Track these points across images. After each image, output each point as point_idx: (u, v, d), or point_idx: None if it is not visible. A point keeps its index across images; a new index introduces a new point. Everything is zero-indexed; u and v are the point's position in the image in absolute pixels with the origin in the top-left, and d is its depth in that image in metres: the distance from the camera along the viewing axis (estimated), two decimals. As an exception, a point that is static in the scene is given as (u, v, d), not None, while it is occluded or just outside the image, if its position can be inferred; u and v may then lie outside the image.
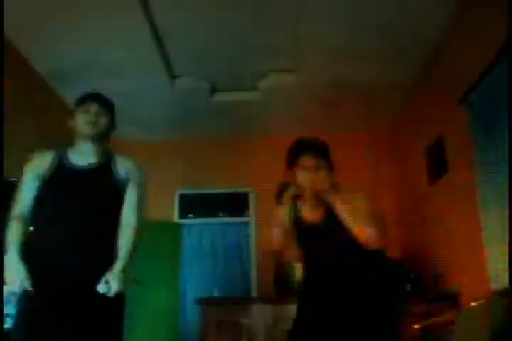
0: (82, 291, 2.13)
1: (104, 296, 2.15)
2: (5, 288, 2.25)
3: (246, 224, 5.96)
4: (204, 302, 4.27)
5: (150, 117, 5.57)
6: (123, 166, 2.36)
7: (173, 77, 4.83)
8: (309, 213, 2.38)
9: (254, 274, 5.72)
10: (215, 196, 6.09)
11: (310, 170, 2.28)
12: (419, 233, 4.90)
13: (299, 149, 2.36)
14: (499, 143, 3.07)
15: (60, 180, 2.28)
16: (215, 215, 6.07)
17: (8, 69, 3.58)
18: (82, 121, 2.39)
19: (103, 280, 2.14)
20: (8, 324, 3.22)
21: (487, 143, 3.27)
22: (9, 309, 3.28)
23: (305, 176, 2.28)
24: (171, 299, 5.41)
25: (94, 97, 2.48)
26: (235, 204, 6.07)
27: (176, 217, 5.96)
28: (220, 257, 5.91)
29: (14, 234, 2.20)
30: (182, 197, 6.04)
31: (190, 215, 6.06)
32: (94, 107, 2.41)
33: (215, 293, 4.87)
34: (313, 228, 2.36)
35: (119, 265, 2.20)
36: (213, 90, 5.14)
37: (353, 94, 5.04)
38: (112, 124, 2.46)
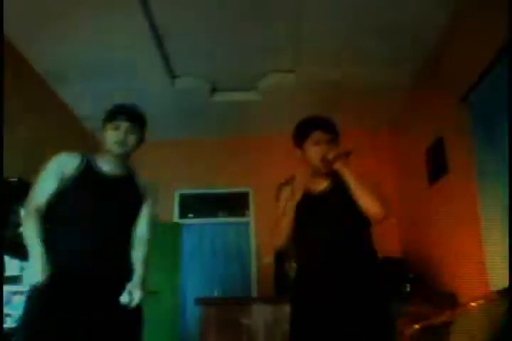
0: (102, 298, 2.12)
1: (124, 307, 2.15)
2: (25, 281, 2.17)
3: (246, 224, 5.96)
4: (204, 302, 4.27)
5: (150, 117, 5.53)
6: (142, 181, 2.41)
7: (173, 77, 4.83)
8: (315, 185, 2.38)
9: (254, 274, 5.72)
10: (215, 196, 6.09)
11: (322, 144, 2.31)
12: (419, 233, 4.90)
13: (310, 124, 2.39)
14: (499, 143, 3.07)
15: (89, 183, 2.25)
16: (215, 215, 6.07)
17: (8, 69, 3.58)
18: (111, 140, 2.34)
19: (126, 291, 2.16)
20: (8, 324, 3.22)
21: (487, 143, 3.27)
22: (9, 309, 3.29)
23: (317, 151, 2.30)
24: (171, 299, 5.41)
25: (126, 113, 2.42)
26: (235, 204, 6.07)
27: (176, 217, 5.97)
28: (220, 257, 5.90)
29: (33, 228, 2.13)
30: (182, 197, 6.04)
31: (190, 215, 6.06)
32: (124, 125, 2.36)
33: (215, 293, 4.87)
34: (318, 197, 2.36)
35: (139, 277, 2.24)
36: (213, 90, 5.14)
37: (353, 94, 5.04)
38: (141, 140, 2.42)
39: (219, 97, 5.21)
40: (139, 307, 2.21)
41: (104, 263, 2.17)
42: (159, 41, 4.19)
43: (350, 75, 4.68)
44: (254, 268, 5.74)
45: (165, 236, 5.49)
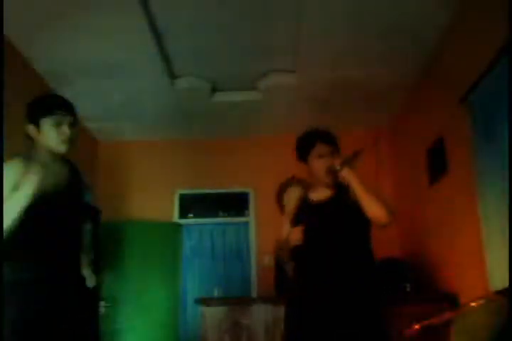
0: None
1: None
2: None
3: (246, 224, 5.96)
4: (204, 302, 4.27)
5: (150, 117, 5.57)
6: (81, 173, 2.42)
7: (173, 77, 4.83)
8: (318, 195, 2.45)
9: (254, 274, 5.72)
10: (215, 196, 6.09)
11: (326, 156, 2.40)
12: (418, 233, 4.90)
13: (312, 138, 2.48)
14: (499, 143, 3.07)
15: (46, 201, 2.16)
16: (215, 215, 6.07)
17: (8, 69, 3.57)
18: (55, 138, 2.17)
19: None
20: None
21: (487, 143, 3.27)
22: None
23: (322, 163, 2.40)
24: (171, 299, 5.41)
25: (64, 105, 2.23)
26: (235, 204, 6.07)
27: (176, 217, 5.96)
28: (220, 257, 5.90)
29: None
30: (182, 197, 6.04)
31: (190, 215, 6.06)
32: (67, 120, 2.19)
33: (215, 293, 4.87)
34: (320, 205, 2.42)
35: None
36: (213, 90, 5.14)
37: (353, 94, 5.04)
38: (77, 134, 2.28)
39: (219, 97, 5.21)
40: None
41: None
42: (159, 41, 4.19)
43: (350, 75, 4.68)
44: (254, 268, 5.74)
45: (165, 236, 5.49)
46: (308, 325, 2.24)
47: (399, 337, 2.86)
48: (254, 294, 5.56)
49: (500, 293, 2.65)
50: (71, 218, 2.26)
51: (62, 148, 2.20)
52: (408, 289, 4.21)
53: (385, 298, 2.44)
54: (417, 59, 4.43)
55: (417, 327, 3.11)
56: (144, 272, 5.10)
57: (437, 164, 4.21)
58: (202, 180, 5.95)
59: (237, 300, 4.53)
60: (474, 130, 3.44)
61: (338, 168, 2.34)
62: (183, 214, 6.02)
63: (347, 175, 2.32)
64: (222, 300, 4.43)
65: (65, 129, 2.17)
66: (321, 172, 2.39)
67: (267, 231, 5.71)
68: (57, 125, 2.17)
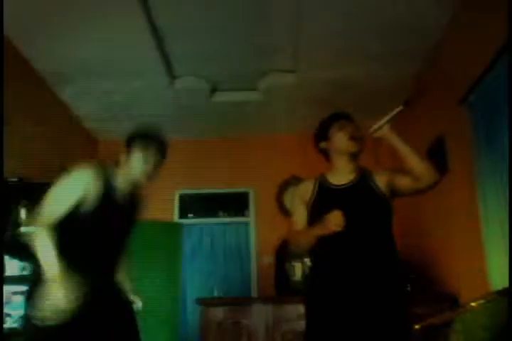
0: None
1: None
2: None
3: (246, 224, 5.96)
4: (204, 302, 4.27)
5: (150, 117, 5.56)
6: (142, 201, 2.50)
7: (173, 77, 4.83)
8: (339, 178, 2.37)
9: (254, 274, 5.71)
10: (215, 196, 6.09)
11: (348, 127, 2.38)
12: (418, 233, 4.90)
13: (332, 117, 2.51)
14: (499, 143, 3.07)
15: (107, 206, 2.24)
16: (215, 215, 6.07)
17: (8, 69, 3.58)
18: (139, 168, 2.30)
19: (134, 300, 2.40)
20: (8, 324, 3.22)
21: (487, 143, 3.27)
22: (9, 309, 3.29)
23: (344, 133, 2.36)
24: (171, 299, 5.41)
25: (157, 142, 2.37)
26: (235, 204, 6.07)
27: (176, 217, 5.96)
28: (220, 257, 5.90)
29: (47, 241, 2.09)
30: (182, 197, 6.04)
31: (190, 215, 6.06)
32: (154, 157, 2.34)
33: (215, 293, 4.87)
34: (342, 190, 2.33)
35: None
36: (213, 90, 5.14)
37: (353, 94, 5.03)
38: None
39: (219, 97, 5.21)
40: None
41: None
42: (159, 41, 4.19)
43: (350, 75, 4.68)
44: (254, 268, 5.73)
45: (165, 236, 5.49)
46: (334, 317, 2.17)
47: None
48: (254, 294, 5.56)
49: (500, 293, 2.65)
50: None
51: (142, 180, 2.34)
52: (408, 289, 4.21)
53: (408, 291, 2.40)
54: (417, 59, 4.43)
55: (417, 327, 3.11)
56: (144, 272, 5.09)
57: (437, 164, 4.20)
58: (202, 180, 5.95)
59: (237, 300, 4.53)
60: (474, 130, 3.44)
61: (376, 126, 2.35)
62: (183, 214, 6.02)
63: (386, 134, 2.34)
64: (222, 300, 4.43)
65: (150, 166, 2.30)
66: (344, 141, 2.34)
67: (267, 231, 5.72)
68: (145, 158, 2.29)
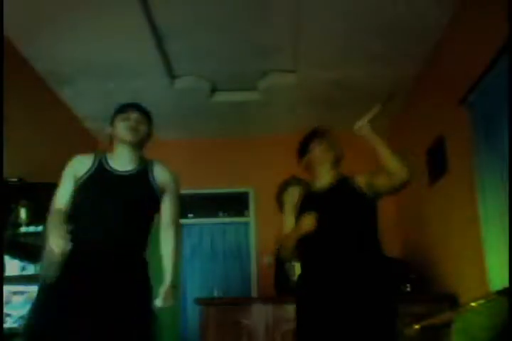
0: (111, 297, 2.19)
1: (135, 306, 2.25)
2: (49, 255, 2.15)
3: (246, 224, 5.96)
4: (204, 302, 4.27)
5: (150, 117, 5.57)
6: (160, 175, 2.51)
7: (173, 77, 4.83)
8: (321, 183, 2.52)
9: (254, 274, 5.72)
10: (215, 196, 6.09)
11: (324, 143, 2.58)
12: (418, 233, 4.90)
13: (312, 133, 2.67)
14: (499, 143, 3.07)
15: (99, 184, 2.35)
16: (215, 215, 6.07)
17: (8, 69, 3.58)
18: (123, 128, 2.42)
19: (160, 295, 2.33)
20: (8, 324, 3.22)
21: (487, 144, 3.27)
22: (9, 309, 3.29)
23: (322, 148, 2.56)
24: (171, 299, 5.40)
25: (135, 106, 2.56)
26: (235, 204, 6.07)
27: (175, 217, 5.96)
28: (220, 257, 5.91)
29: (57, 220, 2.19)
30: (182, 197, 6.03)
31: (190, 215, 6.06)
32: (134, 115, 2.48)
33: (215, 293, 4.87)
34: (323, 193, 2.46)
35: (170, 279, 2.46)
36: (213, 90, 5.14)
37: (353, 94, 5.03)
38: (149, 133, 2.57)
39: (219, 97, 5.21)
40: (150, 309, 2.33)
41: (107, 254, 2.24)
42: (159, 41, 4.19)
43: (350, 75, 4.68)
44: (254, 268, 5.74)
45: (165, 236, 5.48)
46: (320, 318, 2.22)
47: (399, 336, 2.85)
48: (254, 294, 5.56)
49: (500, 293, 2.65)
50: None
51: (128, 136, 2.42)
52: (408, 289, 4.21)
53: (396, 288, 2.46)
54: (417, 59, 4.43)
55: (417, 327, 3.11)
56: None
57: (437, 164, 4.21)
58: (202, 180, 5.95)
59: (237, 300, 4.53)
60: (474, 130, 3.44)
61: (359, 124, 2.49)
62: (183, 214, 6.02)
63: (367, 133, 2.46)
64: (222, 300, 4.43)
65: (132, 122, 2.43)
66: (322, 155, 2.54)
67: (267, 231, 5.71)
68: (126, 119, 2.44)
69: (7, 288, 3.24)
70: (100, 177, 2.36)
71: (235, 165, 5.92)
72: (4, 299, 3.14)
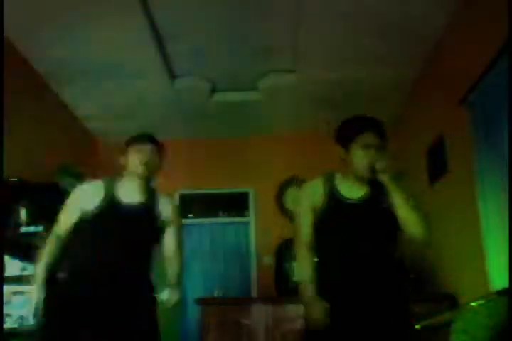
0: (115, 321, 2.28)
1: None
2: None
3: (246, 224, 5.96)
4: (204, 302, 4.27)
5: (150, 117, 5.57)
6: (165, 208, 2.56)
7: (173, 77, 4.83)
8: (350, 191, 2.21)
9: (254, 274, 5.72)
10: (215, 196, 6.09)
11: (372, 149, 2.14)
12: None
13: (362, 124, 2.22)
14: (499, 143, 3.07)
15: (106, 215, 2.39)
16: (215, 215, 6.07)
17: (8, 69, 3.58)
18: (136, 161, 2.45)
19: (166, 289, 2.46)
20: (8, 324, 3.22)
21: (487, 143, 3.27)
22: (9, 309, 3.28)
23: (365, 156, 2.13)
24: (171, 299, 5.40)
25: (148, 137, 2.58)
26: (235, 204, 6.07)
27: (176, 217, 5.95)
28: (220, 257, 5.90)
29: (49, 249, 2.37)
30: (182, 197, 6.04)
31: (190, 215, 6.06)
32: (148, 147, 2.50)
33: (215, 293, 4.87)
34: (354, 205, 2.18)
35: (177, 281, 2.58)
36: (213, 90, 5.14)
37: (353, 94, 5.04)
38: (159, 165, 2.57)
39: (219, 97, 5.21)
40: (155, 321, 2.42)
41: (115, 284, 2.32)
42: (159, 41, 4.19)
43: (350, 75, 4.68)
44: (254, 268, 5.73)
45: (165, 236, 5.48)
46: (339, 331, 2.11)
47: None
48: (254, 294, 5.56)
49: (500, 293, 2.65)
50: None
51: (139, 170, 2.47)
52: (408, 289, 4.20)
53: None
54: (417, 59, 4.43)
55: (417, 327, 3.11)
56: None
57: (437, 164, 4.21)
58: (202, 180, 5.95)
59: (237, 300, 4.53)
60: (474, 130, 3.44)
61: (379, 168, 2.10)
62: (183, 214, 6.02)
63: (387, 181, 2.11)
64: (222, 300, 4.43)
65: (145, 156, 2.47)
66: (361, 165, 2.13)
67: (267, 231, 5.72)
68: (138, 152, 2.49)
69: (7, 288, 3.24)
70: (110, 211, 2.39)
71: (235, 165, 5.92)
72: (4, 299, 3.14)
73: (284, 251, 5.40)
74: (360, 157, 2.14)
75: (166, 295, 2.41)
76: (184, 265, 2.69)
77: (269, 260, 5.58)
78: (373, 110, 5.66)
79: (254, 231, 5.87)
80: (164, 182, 6.00)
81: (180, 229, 2.72)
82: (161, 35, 4.14)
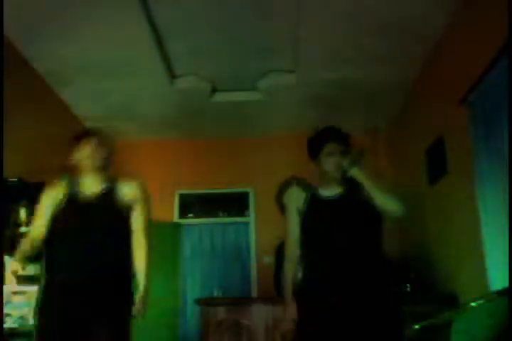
0: (98, 312, 2.37)
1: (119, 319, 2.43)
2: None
3: (246, 224, 5.96)
4: (204, 302, 4.27)
5: (150, 117, 5.57)
6: (126, 190, 2.57)
7: (173, 77, 4.83)
8: (329, 191, 2.46)
9: (254, 274, 5.72)
10: (215, 196, 6.09)
11: (336, 155, 2.41)
12: (418, 233, 4.90)
13: (324, 137, 2.48)
14: (499, 143, 3.07)
15: (68, 210, 2.49)
16: (215, 215, 6.07)
17: (8, 69, 3.58)
18: (83, 155, 2.56)
19: (134, 303, 2.45)
20: (8, 324, 3.22)
21: (487, 143, 3.27)
22: (9, 309, 3.28)
23: (332, 162, 2.41)
24: (171, 299, 5.41)
25: (90, 133, 2.69)
26: (235, 204, 6.07)
27: (176, 217, 5.96)
28: (220, 257, 5.90)
29: (22, 248, 2.53)
30: (182, 197, 6.04)
31: (190, 215, 6.06)
32: (90, 141, 2.60)
33: (215, 293, 4.87)
34: (331, 200, 2.42)
35: (142, 289, 2.54)
36: (213, 90, 5.14)
37: (353, 94, 5.04)
38: (110, 153, 2.63)
39: (219, 97, 5.21)
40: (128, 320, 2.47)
41: (90, 273, 2.40)
42: (159, 41, 4.19)
43: (350, 75, 4.68)
44: (254, 268, 5.74)
45: (165, 236, 5.49)
46: (325, 326, 2.21)
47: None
48: (254, 294, 5.56)
49: (500, 293, 2.65)
50: None
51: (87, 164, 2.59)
52: (408, 289, 4.21)
53: (401, 296, 2.46)
54: (417, 59, 4.43)
55: (417, 327, 3.11)
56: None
57: (437, 164, 4.21)
58: (202, 180, 5.95)
59: (237, 300, 4.53)
60: (474, 130, 3.44)
61: (346, 168, 2.38)
62: (183, 214, 6.02)
63: (357, 174, 2.36)
64: (222, 300, 4.43)
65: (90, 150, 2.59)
66: (331, 170, 2.42)
67: (267, 231, 5.71)
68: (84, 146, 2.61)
69: (7, 288, 3.24)
70: (71, 206, 2.50)
71: (235, 165, 5.92)
72: (4, 299, 3.14)
73: (284, 251, 5.40)
74: (327, 164, 2.42)
75: (135, 311, 2.47)
76: (150, 249, 2.71)
77: (269, 260, 5.57)
78: (373, 110, 5.71)
79: (254, 231, 5.87)
80: (164, 182, 6.05)
81: (147, 207, 2.68)
82: (161, 35, 4.14)
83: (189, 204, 6.06)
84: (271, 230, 5.66)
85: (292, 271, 2.44)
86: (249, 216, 5.97)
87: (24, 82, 4.27)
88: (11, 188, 3.54)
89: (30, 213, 3.57)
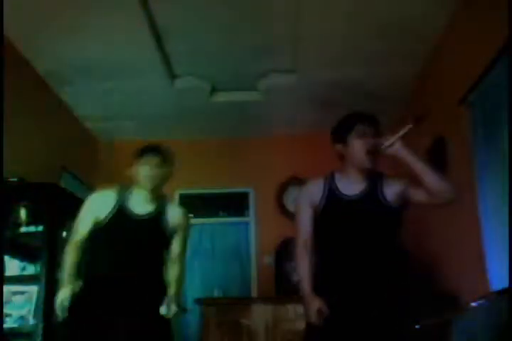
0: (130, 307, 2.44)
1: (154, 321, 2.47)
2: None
3: (246, 224, 5.96)
4: (204, 302, 4.28)
5: (150, 117, 5.57)
6: (174, 217, 2.69)
7: (173, 77, 4.83)
8: (349, 188, 2.30)
9: (254, 274, 5.71)
10: (215, 196, 6.09)
11: (368, 137, 2.27)
12: (418, 233, 4.90)
13: (355, 118, 2.37)
14: (499, 143, 3.07)
15: (118, 226, 2.53)
16: (215, 215, 6.07)
17: (8, 69, 3.58)
18: (142, 174, 2.54)
19: (164, 304, 2.47)
20: (8, 324, 3.22)
21: (487, 143, 3.27)
22: (9, 309, 3.28)
23: (363, 143, 2.26)
24: (171, 299, 5.40)
25: (156, 150, 2.64)
26: (235, 204, 6.07)
27: (176, 217, 5.95)
28: (220, 257, 5.90)
29: (70, 257, 2.50)
30: (182, 197, 6.04)
31: (190, 215, 6.05)
32: (154, 160, 2.56)
33: (215, 293, 4.87)
34: (352, 201, 2.27)
35: (173, 293, 2.55)
36: (213, 90, 5.14)
37: (353, 94, 5.04)
38: (168, 175, 2.64)
39: (219, 97, 5.21)
40: (166, 321, 2.50)
41: (133, 285, 2.47)
42: (159, 41, 4.19)
43: (350, 75, 4.68)
44: (254, 268, 5.73)
45: (165, 236, 5.48)
46: (340, 325, 2.15)
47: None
48: (254, 294, 5.56)
49: (500, 293, 2.65)
50: None
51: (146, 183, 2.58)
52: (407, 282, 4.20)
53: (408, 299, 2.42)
54: (417, 59, 4.43)
55: (416, 327, 3.11)
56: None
57: (437, 164, 4.20)
58: (202, 180, 5.95)
59: (237, 300, 4.54)
60: (474, 130, 3.44)
61: (387, 143, 2.23)
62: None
63: (402, 150, 2.26)
64: (222, 300, 4.44)
65: (151, 169, 2.57)
66: (361, 154, 2.25)
67: (267, 231, 5.72)
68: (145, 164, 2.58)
69: (7, 288, 3.24)
70: (121, 222, 2.52)
71: (235, 165, 5.92)
72: (4, 299, 3.14)
73: (284, 251, 5.40)
74: (359, 145, 2.25)
75: (164, 310, 2.48)
76: (185, 267, 2.75)
77: (269, 260, 5.58)
78: (373, 110, 5.66)
79: (254, 231, 5.87)
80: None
81: (187, 235, 2.78)
82: (160, 35, 4.13)
83: (189, 204, 6.05)
84: (271, 230, 5.67)
85: (306, 258, 2.26)
86: (249, 216, 5.97)
87: (24, 83, 4.27)
88: (11, 188, 3.54)
89: (30, 213, 3.58)
